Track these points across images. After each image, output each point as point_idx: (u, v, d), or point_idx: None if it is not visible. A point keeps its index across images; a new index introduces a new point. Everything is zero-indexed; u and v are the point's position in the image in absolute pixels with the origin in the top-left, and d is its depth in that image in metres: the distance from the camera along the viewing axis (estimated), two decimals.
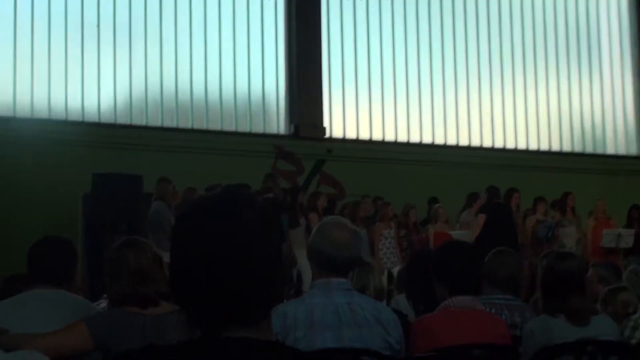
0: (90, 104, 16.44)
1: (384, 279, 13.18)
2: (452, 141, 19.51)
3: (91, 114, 16.40)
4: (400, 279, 7.38)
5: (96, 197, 12.92)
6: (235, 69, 17.80)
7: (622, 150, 21.10)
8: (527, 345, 4.88)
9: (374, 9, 19.11)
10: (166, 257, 2.11)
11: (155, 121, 16.96)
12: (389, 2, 19.23)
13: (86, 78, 16.44)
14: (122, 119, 16.63)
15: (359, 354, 3.94)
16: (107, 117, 16.51)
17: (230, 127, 17.61)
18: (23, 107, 15.90)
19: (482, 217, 13.93)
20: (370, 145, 18.52)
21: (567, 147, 20.59)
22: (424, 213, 15.91)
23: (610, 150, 20.96)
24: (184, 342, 2.00)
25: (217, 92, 17.61)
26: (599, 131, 20.97)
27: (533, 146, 20.23)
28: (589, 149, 20.75)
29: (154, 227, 12.31)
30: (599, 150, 20.82)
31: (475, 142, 19.73)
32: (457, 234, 14.02)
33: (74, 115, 16.25)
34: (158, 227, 12.14)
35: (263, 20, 18.13)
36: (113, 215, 12.36)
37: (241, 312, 1.98)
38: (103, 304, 5.46)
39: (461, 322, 4.54)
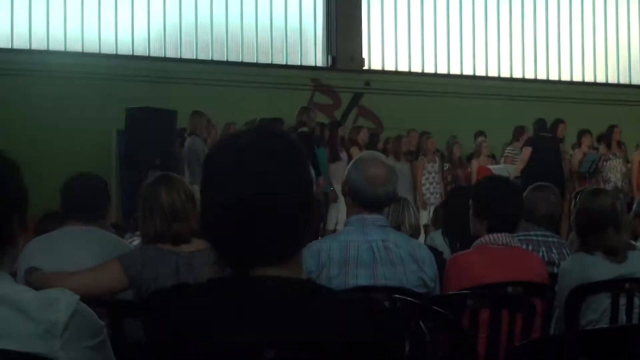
0: (124, 37, 16.47)
1: (426, 215, 13.20)
2: (493, 73, 19.34)
3: (125, 47, 16.44)
4: (437, 216, 7.40)
5: (130, 132, 13.02)
6: (272, 1, 17.71)
7: None
8: (563, 284, 4.90)
9: None
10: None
11: (189, 54, 16.97)
12: None
13: (119, 10, 16.45)
14: (156, 52, 16.66)
15: (392, 291, 3.98)
16: (140, 50, 16.54)
17: (265, 59, 17.58)
18: (56, 41, 15.97)
19: (527, 150, 13.81)
20: (410, 77, 18.40)
21: (612, 79, 20.33)
22: (470, 147, 15.87)
23: None
24: (214, 280, 2.05)
25: (253, 24, 17.55)
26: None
27: (577, 77, 20.00)
28: (636, 80, 20.46)
29: (189, 162, 12.39)
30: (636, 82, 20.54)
31: (518, 74, 19.54)
32: (496, 168, 13.95)
33: (107, 49, 16.30)
34: (193, 163, 12.22)
35: None
36: (147, 151, 12.44)
37: (271, 250, 2.01)
38: (136, 241, 5.54)
39: (497, 260, 4.56)
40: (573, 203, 5.22)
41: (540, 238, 5.63)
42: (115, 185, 13.80)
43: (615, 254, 4.86)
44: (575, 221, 5.02)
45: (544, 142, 13.87)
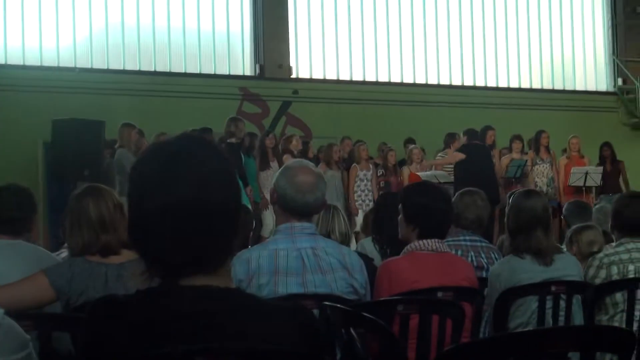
0: (49, 48, 16.27)
1: (359, 220, 13.26)
2: (421, 80, 19.53)
3: (50, 58, 16.23)
4: (367, 222, 7.43)
5: (57, 144, 12.84)
6: (199, 8, 17.65)
7: (591, 87, 21.19)
8: (492, 287, 4.97)
9: None
10: None
11: (116, 64, 16.82)
12: None
13: (44, 20, 16.25)
14: (82, 63, 16.48)
15: (322, 299, 3.98)
16: (66, 61, 16.35)
17: (194, 68, 17.52)
18: None
19: (459, 155, 14.06)
20: (338, 85, 18.49)
21: (536, 84, 20.66)
22: (402, 154, 16.00)
23: (579, 86, 21.05)
24: (142, 291, 2.03)
25: (180, 35, 17.47)
26: (568, 68, 21.02)
27: (503, 84, 20.28)
28: (559, 86, 20.83)
29: (119, 173, 12.29)
30: (569, 87, 20.90)
31: (445, 81, 19.76)
32: (426, 175, 14.08)
33: (32, 60, 16.08)
34: (122, 175, 12.13)
35: None
36: (75, 162, 12.30)
37: (199, 258, 2.00)
38: (64, 253, 5.46)
39: (427, 266, 4.59)
40: (507, 203, 5.29)
41: (469, 243, 5.69)
42: (42, 198, 13.61)
43: (544, 256, 4.94)
44: (507, 221, 5.10)
45: (477, 150, 14.06)
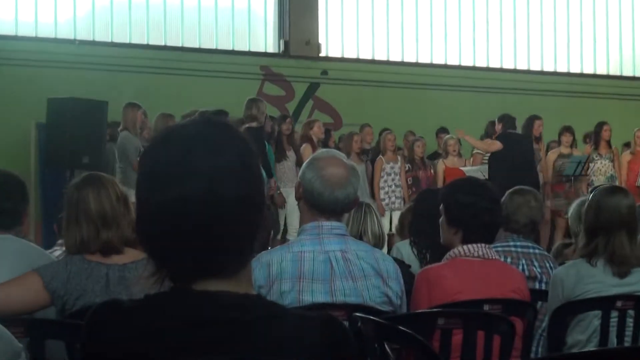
0: (46, 18, 16.34)
1: (385, 222, 13.20)
2: (467, 62, 19.48)
3: (47, 29, 16.30)
4: (403, 223, 7.41)
5: (52, 125, 12.88)
6: None
7: None
8: (554, 294, 4.94)
9: None
10: (134, 196, 2.12)
11: (122, 37, 16.87)
12: None
13: None
14: (83, 35, 16.54)
15: (353, 309, 3.98)
16: (65, 33, 16.41)
17: (210, 44, 17.55)
18: None
19: (496, 144, 13.68)
20: (372, 65, 18.47)
21: (602, 70, 20.56)
22: (433, 145, 15.94)
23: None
24: (151, 296, 2.02)
25: (195, 3, 17.50)
26: (639, 52, 20.92)
27: (562, 68, 20.18)
28: (628, 72, 20.70)
29: (121, 161, 12.33)
30: (627, 73, 20.78)
31: (495, 64, 19.69)
32: (470, 170, 13.95)
33: (27, 31, 16.16)
34: (126, 162, 12.16)
35: None
36: (73, 147, 12.34)
37: (216, 260, 1.99)
38: (58, 251, 5.48)
39: (472, 274, 4.57)
40: (587, 200, 5.21)
41: (520, 249, 5.67)
42: (34, 187, 13.68)
43: (620, 265, 4.88)
44: (585, 219, 5.03)
45: (516, 141, 13.72)
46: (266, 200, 2.28)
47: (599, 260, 4.92)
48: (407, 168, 14.57)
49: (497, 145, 13.64)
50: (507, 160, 13.27)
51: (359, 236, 5.92)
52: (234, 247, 2.00)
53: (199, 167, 1.96)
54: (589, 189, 5.76)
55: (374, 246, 4.98)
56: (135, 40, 16.91)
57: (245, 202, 1.99)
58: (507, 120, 13.97)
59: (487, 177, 13.04)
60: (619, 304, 4.76)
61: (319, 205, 4.20)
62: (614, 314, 4.77)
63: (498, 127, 14.08)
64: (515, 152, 13.40)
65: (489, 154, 14.08)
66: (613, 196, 4.99)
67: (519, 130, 14.28)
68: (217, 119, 2.12)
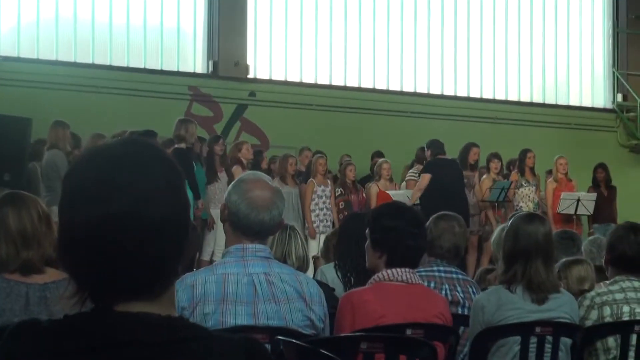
0: None
1: (315, 245, 13.18)
2: (395, 87, 19.58)
3: None
4: (328, 246, 7.43)
5: None
6: None
7: (587, 102, 21.34)
8: (475, 320, 4.98)
9: None
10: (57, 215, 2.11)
11: (48, 54, 16.71)
12: None
13: None
14: (8, 51, 16.36)
15: (275, 332, 3.98)
16: None
17: (138, 63, 17.46)
18: None
19: (425, 177, 13.60)
20: (300, 88, 18.48)
21: (525, 97, 20.81)
22: (365, 169, 15.97)
23: (574, 101, 21.20)
24: (71, 316, 2.00)
25: (124, 22, 17.41)
26: (562, 80, 21.18)
27: (488, 95, 20.38)
28: (550, 100, 20.97)
29: (50, 180, 12.17)
30: (561, 102, 21.05)
31: (422, 89, 19.83)
32: (397, 194, 14.00)
33: None
34: (53, 180, 12.00)
35: None
36: None
37: (138, 281, 1.97)
38: None
39: (395, 298, 4.59)
40: (505, 227, 5.29)
41: (443, 274, 5.70)
42: None
43: (538, 291, 4.95)
44: (504, 246, 5.10)
45: (443, 167, 13.74)
46: (192, 222, 2.28)
47: (517, 287, 4.99)
48: (338, 192, 14.59)
49: (426, 179, 13.61)
50: (435, 185, 13.31)
51: (283, 259, 5.92)
52: (158, 268, 1.99)
53: (123, 186, 1.94)
54: (509, 216, 5.85)
55: (297, 269, 4.98)
56: (62, 58, 16.75)
57: (170, 223, 1.99)
58: (436, 146, 13.97)
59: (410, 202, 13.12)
60: (537, 329, 4.83)
61: (243, 227, 4.20)
62: (533, 339, 4.83)
63: (427, 154, 14.13)
64: (444, 177, 13.43)
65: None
66: (530, 224, 5.07)
67: (454, 155, 14.41)
68: (143, 139, 2.11)
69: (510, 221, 5.27)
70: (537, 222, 5.10)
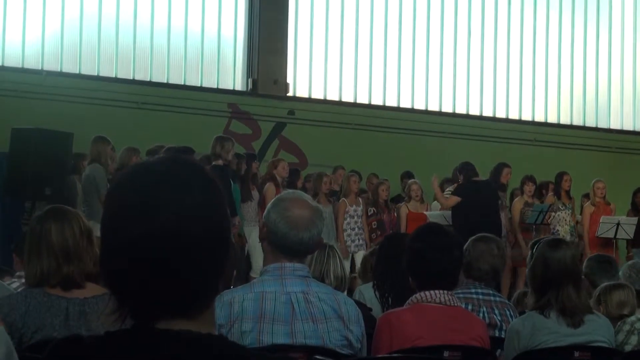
0: (13, 46, 16.28)
1: (347, 264, 13.17)
2: (434, 107, 19.55)
3: (13, 58, 16.24)
4: (366, 266, 7.42)
5: (15, 155, 12.80)
6: (187, 12, 17.67)
7: (628, 125, 21.21)
8: (509, 346, 4.95)
9: None
10: (99, 230, 2.12)
11: (90, 69, 16.83)
12: None
13: (9, 15, 16.26)
14: (51, 66, 16.48)
15: (313, 351, 3.97)
16: (32, 63, 16.35)
17: (178, 79, 17.53)
18: None
19: (452, 199, 13.69)
20: (339, 107, 18.50)
21: (565, 119, 20.71)
22: (397, 188, 15.95)
23: (614, 124, 21.08)
24: (112, 332, 2.01)
25: (165, 39, 17.50)
26: (603, 102, 21.07)
27: (526, 116, 20.31)
28: (590, 123, 20.87)
29: (88, 194, 12.24)
30: (602, 125, 20.94)
31: (461, 109, 19.78)
32: (433, 215, 13.99)
33: None
34: (92, 195, 12.06)
35: None
36: (35, 177, 12.25)
37: (180, 299, 1.98)
38: (16, 283, 5.44)
39: (433, 320, 4.58)
40: (529, 254, 5.27)
41: (481, 297, 5.68)
42: None
43: (572, 315, 4.92)
44: (531, 274, 5.08)
45: (476, 190, 13.70)
46: (232, 239, 2.29)
47: (551, 312, 4.96)
48: (371, 212, 14.58)
49: (453, 200, 13.61)
50: (468, 207, 13.29)
51: (321, 278, 5.91)
52: (199, 285, 2.00)
53: (165, 204, 1.96)
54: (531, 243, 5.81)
55: (335, 288, 4.98)
56: (103, 73, 16.86)
57: (211, 240, 2.00)
58: (468, 169, 13.97)
59: (449, 222, 13.09)
60: (576, 354, 4.79)
61: (282, 246, 4.20)
62: None
63: (460, 177, 14.11)
64: (478, 199, 13.41)
65: None
66: (558, 250, 5.06)
67: (486, 176, 14.37)
68: (184, 157, 2.12)
69: (536, 249, 5.25)
70: (564, 247, 5.10)
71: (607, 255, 8.32)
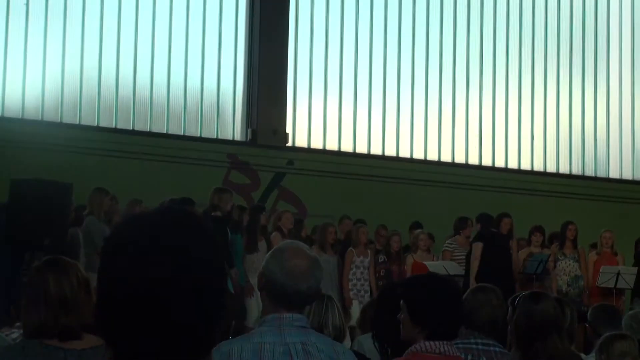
0: (13, 97, 16.33)
1: (355, 313, 13.14)
2: (433, 156, 19.59)
3: (13, 109, 16.29)
4: (365, 316, 7.40)
5: (15, 206, 12.81)
6: (187, 63, 17.77)
7: (627, 175, 21.22)
8: None
9: (350, 5, 19.13)
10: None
11: (90, 120, 16.88)
12: None
13: (9, 66, 16.33)
14: (51, 116, 16.53)
15: None
16: (32, 113, 16.41)
17: (177, 130, 17.58)
18: None
19: (478, 246, 13.93)
20: (339, 157, 18.54)
21: (564, 169, 20.73)
22: (404, 239, 15.96)
23: (613, 174, 21.09)
24: None
25: (164, 89, 17.57)
26: (601, 152, 21.10)
27: (526, 166, 20.35)
28: (589, 172, 20.89)
29: (86, 246, 12.25)
30: (601, 174, 20.95)
31: (460, 159, 19.82)
32: (433, 265, 14.02)
33: None
34: (90, 247, 12.08)
35: (221, 7, 18.11)
36: (34, 228, 12.24)
37: (176, 348, 1.99)
38: (15, 334, 5.42)
39: None
40: (510, 309, 5.30)
41: (481, 347, 5.65)
42: None
43: None
44: (515, 329, 5.10)
45: (493, 240, 13.97)
46: (229, 290, 2.28)
47: None
48: (382, 260, 14.58)
49: (479, 248, 13.93)
50: (484, 258, 13.49)
51: (320, 328, 5.89)
52: (196, 335, 2.00)
53: (161, 254, 1.97)
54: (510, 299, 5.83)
55: (334, 339, 4.96)
56: (103, 124, 16.91)
57: (207, 290, 2.00)
58: (485, 219, 14.35)
59: (449, 272, 13.13)
60: None
61: (281, 296, 4.19)
62: None
63: (477, 226, 14.38)
64: (492, 251, 13.60)
65: (459, 249, 14.35)
66: (539, 302, 5.11)
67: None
68: (180, 207, 2.14)
69: (516, 303, 5.28)
70: (544, 299, 5.14)
71: (611, 305, 8.34)
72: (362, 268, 14.31)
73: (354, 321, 12.06)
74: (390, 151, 19.25)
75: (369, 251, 14.57)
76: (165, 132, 17.45)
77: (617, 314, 7.75)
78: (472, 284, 12.39)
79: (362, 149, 19.02)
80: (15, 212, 12.60)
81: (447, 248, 15.17)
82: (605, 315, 7.34)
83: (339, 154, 18.67)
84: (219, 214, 12.41)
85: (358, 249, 14.38)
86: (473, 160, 19.95)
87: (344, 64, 19.02)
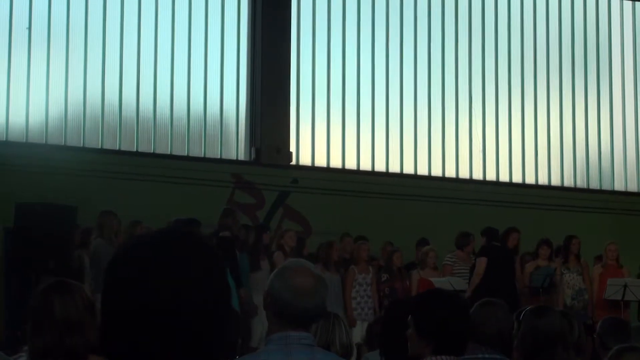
0: (17, 121, 16.35)
1: (357, 332, 13.11)
2: (437, 172, 19.57)
3: (17, 133, 16.31)
4: (371, 333, 7.39)
5: (20, 230, 12.82)
6: (190, 84, 17.78)
7: (632, 187, 21.18)
8: None
9: (352, 22, 19.16)
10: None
11: (93, 142, 16.89)
12: (370, 15, 19.28)
13: (12, 90, 16.36)
14: (55, 139, 16.55)
15: None
16: (36, 137, 16.42)
17: (181, 150, 17.58)
18: None
19: (482, 261, 13.89)
20: (343, 175, 18.51)
21: (569, 183, 20.70)
22: (409, 255, 15.92)
23: (618, 186, 21.06)
24: None
25: (168, 110, 17.58)
26: (606, 165, 21.08)
27: (530, 180, 20.32)
28: (594, 185, 20.86)
29: (93, 268, 12.26)
30: (606, 187, 20.92)
31: (464, 174, 19.79)
32: (439, 281, 14.00)
33: None
34: (96, 269, 12.09)
35: (223, 27, 18.13)
36: (39, 251, 12.26)
37: None
38: (23, 357, 5.41)
39: None
40: (516, 324, 5.28)
41: None
42: (0, 292, 13.53)
43: None
44: (520, 343, 5.08)
45: (497, 254, 13.94)
46: (234, 309, 2.27)
47: None
48: (385, 278, 14.53)
49: (483, 263, 13.90)
50: (488, 272, 13.46)
51: (327, 347, 5.88)
52: (200, 354, 1.99)
53: (163, 277, 1.96)
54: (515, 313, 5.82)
55: (342, 357, 4.95)
56: (107, 146, 16.93)
57: (211, 310, 2.00)
58: (491, 233, 14.34)
59: (455, 288, 13.11)
60: None
61: (286, 315, 4.17)
62: None
63: (482, 240, 14.32)
64: (496, 265, 13.57)
65: (459, 264, 14.31)
66: (544, 316, 5.09)
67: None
68: (183, 229, 2.13)
69: (521, 318, 5.27)
70: (549, 313, 5.13)
71: (620, 318, 8.32)
72: (364, 285, 14.26)
73: (357, 338, 12.07)
74: (394, 168, 19.22)
75: (370, 268, 14.53)
76: (169, 153, 17.44)
77: (626, 326, 7.73)
78: (469, 297, 12.40)
79: (366, 165, 19.00)
80: (21, 236, 12.63)
81: (447, 262, 15.13)
82: (614, 328, 7.31)
83: (343, 171, 18.64)
84: (227, 233, 12.41)
85: (359, 266, 14.33)
86: (477, 175, 19.91)
87: (347, 82, 19.01)
